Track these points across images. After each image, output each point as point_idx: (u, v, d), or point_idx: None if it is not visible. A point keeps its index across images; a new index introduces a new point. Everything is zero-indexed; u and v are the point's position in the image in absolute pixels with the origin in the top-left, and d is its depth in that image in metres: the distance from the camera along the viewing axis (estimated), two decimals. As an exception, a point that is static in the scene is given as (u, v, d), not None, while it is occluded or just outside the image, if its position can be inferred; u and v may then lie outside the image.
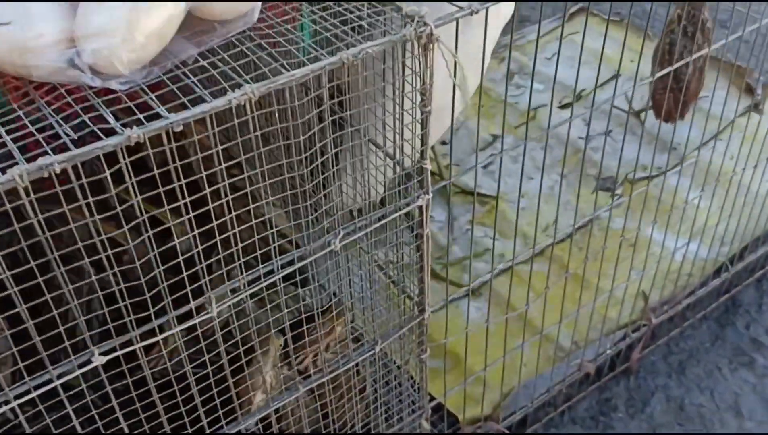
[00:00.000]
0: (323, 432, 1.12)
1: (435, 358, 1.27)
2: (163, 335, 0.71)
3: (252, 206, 0.75)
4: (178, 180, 0.67)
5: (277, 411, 1.15)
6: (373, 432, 1.16)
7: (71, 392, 0.73)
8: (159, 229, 0.71)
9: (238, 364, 0.92)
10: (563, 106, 2.35)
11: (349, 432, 1.13)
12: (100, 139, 0.59)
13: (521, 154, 2.27)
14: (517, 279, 1.45)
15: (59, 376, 0.66)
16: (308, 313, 1.16)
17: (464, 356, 1.26)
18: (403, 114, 0.85)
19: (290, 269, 0.80)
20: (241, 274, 0.76)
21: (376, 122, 0.91)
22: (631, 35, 1.27)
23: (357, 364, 1.14)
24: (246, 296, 0.79)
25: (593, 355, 1.54)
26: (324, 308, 1.13)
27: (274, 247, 0.78)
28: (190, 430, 0.87)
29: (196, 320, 0.74)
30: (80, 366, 0.66)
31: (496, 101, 2.52)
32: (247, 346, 0.94)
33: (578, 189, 1.38)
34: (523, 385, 1.44)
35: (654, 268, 1.57)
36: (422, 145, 0.85)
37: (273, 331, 1.07)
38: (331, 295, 1.23)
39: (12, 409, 0.65)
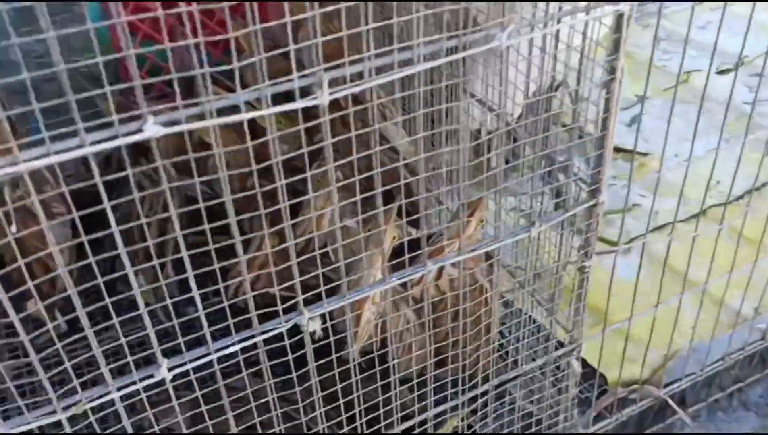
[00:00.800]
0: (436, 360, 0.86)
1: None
2: (259, 113, 0.49)
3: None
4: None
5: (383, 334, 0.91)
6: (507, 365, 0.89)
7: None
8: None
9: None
10: (721, 72, 2.21)
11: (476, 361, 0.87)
12: None
13: (674, 115, 2.06)
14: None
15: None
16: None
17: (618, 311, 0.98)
18: None
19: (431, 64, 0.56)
20: (368, 50, 0.52)
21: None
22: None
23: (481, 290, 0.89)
24: (373, 91, 0.55)
25: (780, 325, 1.22)
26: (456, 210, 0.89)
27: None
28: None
29: (299, 104, 0.51)
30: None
31: (642, 64, 2.34)
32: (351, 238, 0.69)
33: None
34: (694, 349, 1.14)
35: None
36: None
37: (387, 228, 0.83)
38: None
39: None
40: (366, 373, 0.79)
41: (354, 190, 0.63)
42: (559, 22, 0.61)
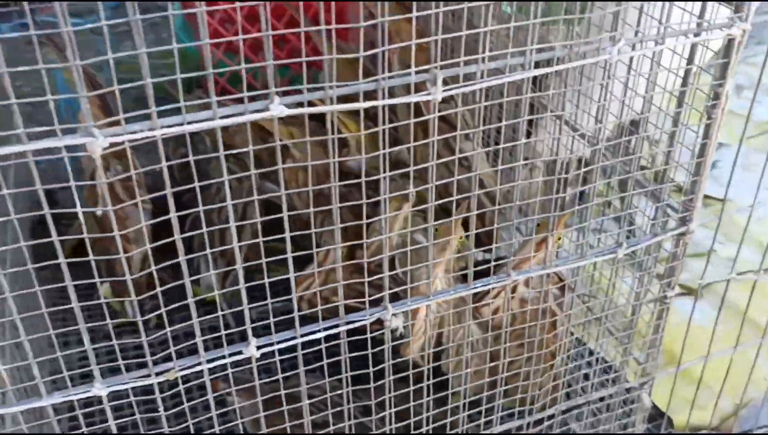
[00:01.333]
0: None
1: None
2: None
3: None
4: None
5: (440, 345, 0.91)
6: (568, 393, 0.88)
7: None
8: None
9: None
10: (811, 123, 2.15)
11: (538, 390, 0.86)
12: None
13: (754, 164, 2.02)
14: (745, 286, 1.18)
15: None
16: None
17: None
18: None
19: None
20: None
21: None
22: None
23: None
24: (482, 93, 0.57)
25: None
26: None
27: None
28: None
29: (412, 98, 0.52)
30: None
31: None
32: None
33: None
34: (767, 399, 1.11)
35: None
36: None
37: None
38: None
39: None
40: (424, 384, 0.80)
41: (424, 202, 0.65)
42: (664, 42, 0.62)
